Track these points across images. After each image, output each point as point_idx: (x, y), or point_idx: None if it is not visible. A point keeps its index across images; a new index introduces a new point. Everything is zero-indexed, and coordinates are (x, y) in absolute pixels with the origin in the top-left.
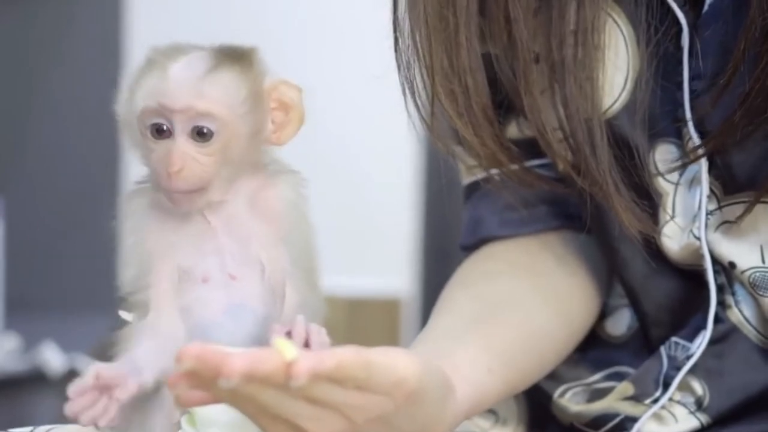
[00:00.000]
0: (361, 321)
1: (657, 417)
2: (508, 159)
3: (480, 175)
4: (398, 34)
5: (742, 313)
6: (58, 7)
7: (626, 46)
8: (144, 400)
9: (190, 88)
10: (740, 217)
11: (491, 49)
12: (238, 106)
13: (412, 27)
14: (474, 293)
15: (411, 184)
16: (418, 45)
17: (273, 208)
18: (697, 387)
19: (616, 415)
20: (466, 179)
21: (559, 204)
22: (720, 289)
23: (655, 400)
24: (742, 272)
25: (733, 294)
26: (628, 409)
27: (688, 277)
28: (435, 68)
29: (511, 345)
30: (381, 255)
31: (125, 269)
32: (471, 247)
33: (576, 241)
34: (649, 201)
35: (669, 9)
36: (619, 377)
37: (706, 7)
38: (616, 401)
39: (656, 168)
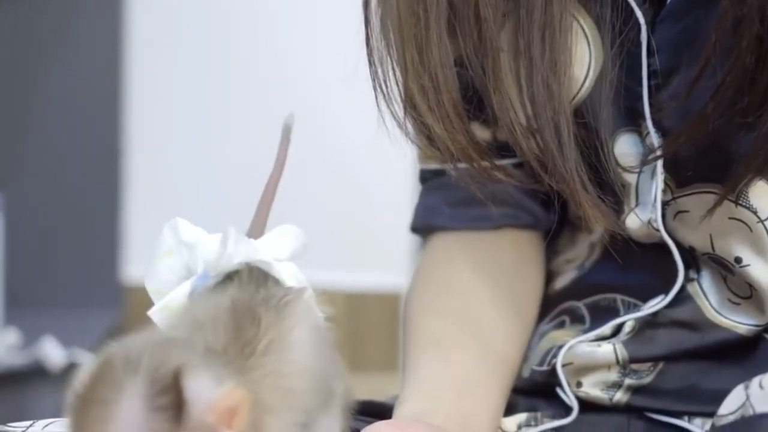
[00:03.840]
0: (360, 315)
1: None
2: (478, 154)
3: (435, 165)
4: (369, 29)
5: (700, 286)
6: (59, 4)
7: (588, 45)
8: None
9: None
10: (710, 211)
11: (461, 46)
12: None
13: (383, 23)
14: (444, 323)
15: (409, 178)
16: (390, 40)
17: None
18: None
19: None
20: (422, 165)
21: (513, 205)
22: (686, 265)
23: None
24: (702, 254)
25: (698, 270)
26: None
27: (653, 257)
28: (406, 64)
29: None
30: (380, 250)
31: None
32: (419, 231)
33: (527, 241)
34: (613, 197)
35: (632, 8)
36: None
37: (666, 7)
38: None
39: (617, 161)
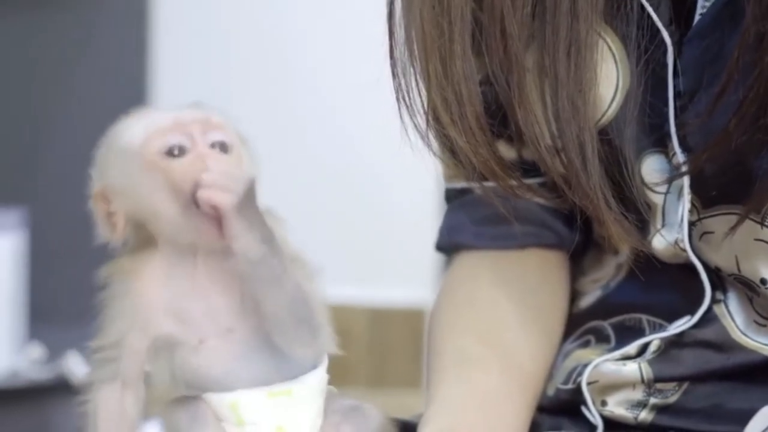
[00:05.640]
0: (384, 331)
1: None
2: (501, 169)
3: (460, 184)
4: (393, 41)
5: (726, 307)
6: (81, 13)
7: (615, 63)
8: None
9: (194, 110)
10: (733, 229)
11: (487, 61)
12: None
13: (407, 34)
14: (469, 341)
15: (433, 192)
16: (414, 52)
17: (241, 257)
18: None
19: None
20: (447, 183)
21: (537, 224)
22: (713, 286)
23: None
24: (729, 275)
25: (724, 291)
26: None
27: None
28: (430, 76)
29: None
30: (403, 264)
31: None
32: (444, 249)
33: (552, 260)
34: (637, 215)
35: (658, 29)
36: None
37: (692, 27)
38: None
39: (643, 181)
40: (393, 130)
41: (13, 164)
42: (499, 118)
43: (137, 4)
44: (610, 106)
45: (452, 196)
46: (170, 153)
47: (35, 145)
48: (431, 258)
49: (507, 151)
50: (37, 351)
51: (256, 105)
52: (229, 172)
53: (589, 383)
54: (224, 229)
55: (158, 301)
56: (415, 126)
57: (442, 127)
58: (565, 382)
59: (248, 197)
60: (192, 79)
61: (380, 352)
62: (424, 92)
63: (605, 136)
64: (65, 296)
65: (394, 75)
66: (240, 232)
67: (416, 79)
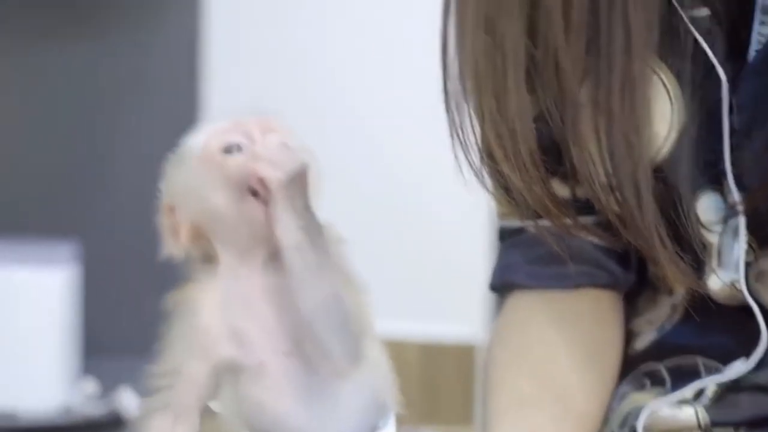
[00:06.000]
0: (435, 367)
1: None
2: (555, 206)
3: (514, 222)
4: (447, 77)
5: None
6: (136, 45)
7: (670, 99)
8: None
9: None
10: None
11: (541, 97)
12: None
13: (461, 70)
14: (527, 383)
15: (486, 227)
16: (467, 88)
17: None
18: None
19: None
20: (501, 222)
21: (591, 264)
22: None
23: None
24: None
25: None
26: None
27: (736, 318)
28: (483, 112)
29: None
30: (454, 300)
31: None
32: (498, 289)
33: (606, 300)
34: (692, 254)
35: (713, 65)
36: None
37: (748, 63)
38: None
39: (698, 219)
40: (446, 164)
41: (66, 196)
42: (553, 156)
43: (189, 34)
44: (664, 143)
45: (506, 235)
46: (228, 150)
47: (89, 178)
48: (483, 293)
49: (561, 189)
50: (90, 386)
51: (306, 131)
52: (282, 151)
53: (645, 428)
54: (269, 209)
55: (217, 325)
56: (469, 162)
57: (496, 163)
58: (621, 426)
59: (298, 182)
60: (246, 95)
61: (431, 388)
62: (477, 128)
63: (660, 173)
64: (119, 329)
65: (448, 110)
66: (282, 213)
67: (470, 115)
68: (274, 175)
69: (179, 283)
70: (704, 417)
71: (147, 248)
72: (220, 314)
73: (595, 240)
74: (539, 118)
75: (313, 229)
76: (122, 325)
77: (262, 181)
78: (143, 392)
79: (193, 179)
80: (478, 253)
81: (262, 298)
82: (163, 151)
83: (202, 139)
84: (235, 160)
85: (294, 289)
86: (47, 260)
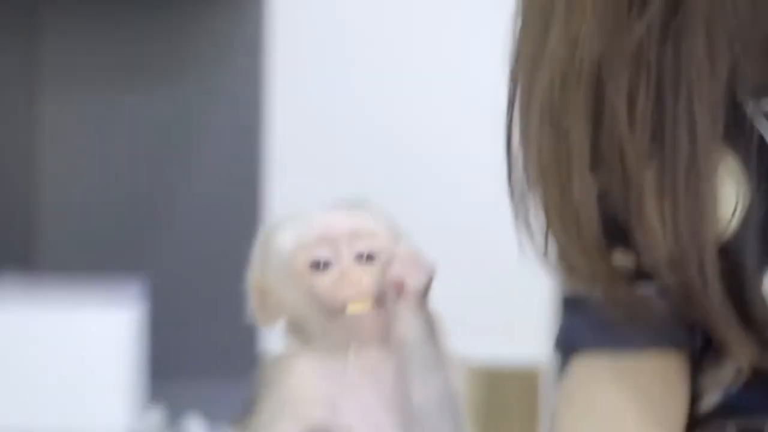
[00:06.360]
0: (498, 392)
1: None
2: (621, 287)
3: (579, 291)
4: (511, 167)
5: None
6: (203, 87)
7: (735, 182)
8: None
9: (344, 217)
10: None
11: (606, 182)
12: (388, 230)
13: (525, 160)
14: None
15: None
16: (531, 178)
17: (403, 340)
18: None
19: None
20: (565, 290)
21: (657, 327)
22: None
23: None
24: None
25: None
26: None
27: None
28: (548, 201)
29: None
30: (517, 323)
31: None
32: (562, 350)
33: (672, 362)
34: (759, 333)
35: None
36: None
37: None
38: None
39: (765, 300)
40: (505, 188)
41: (135, 234)
42: (620, 228)
43: (253, 76)
44: (729, 224)
45: (570, 300)
46: (316, 266)
47: (154, 213)
48: (546, 317)
49: (626, 260)
50: (157, 414)
51: (370, 162)
52: (417, 258)
53: None
54: (395, 306)
55: (311, 393)
56: (534, 245)
57: (561, 249)
58: None
59: (428, 284)
60: (306, 151)
61: (495, 413)
62: (542, 216)
63: (725, 254)
64: (183, 356)
65: (512, 198)
66: (407, 312)
67: (534, 204)
68: (418, 282)
69: (246, 313)
70: None
71: (213, 278)
72: (315, 384)
73: (660, 316)
74: (604, 194)
75: (430, 323)
76: (186, 350)
77: (399, 285)
78: (210, 419)
79: (284, 285)
80: (541, 276)
81: (356, 371)
82: (225, 183)
83: (289, 247)
84: (323, 283)
85: (409, 383)
86: (115, 300)
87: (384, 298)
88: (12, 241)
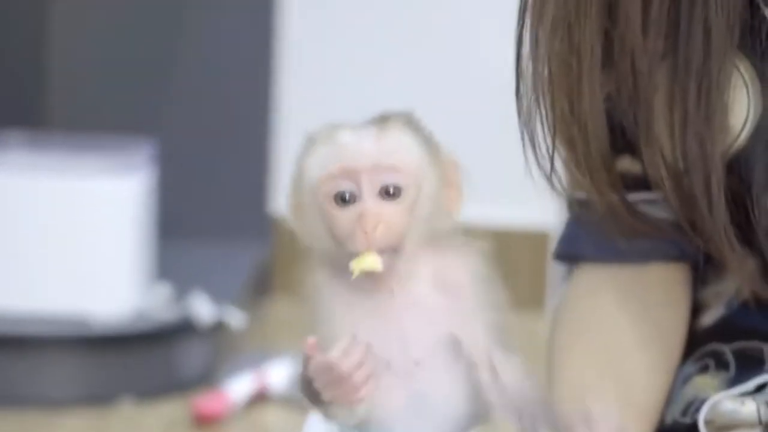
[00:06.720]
0: (507, 253)
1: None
2: (625, 209)
3: (583, 195)
4: (520, 78)
5: None
6: None
7: (747, 94)
8: None
9: (371, 147)
10: None
11: (614, 97)
12: (419, 159)
13: (534, 72)
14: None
15: None
16: (540, 91)
17: (459, 282)
18: None
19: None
20: (570, 193)
21: (660, 239)
22: None
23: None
24: None
25: None
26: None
27: None
28: (556, 114)
29: None
30: (528, 185)
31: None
32: (563, 259)
33: (675, 274)
34: (761, 258)
35: None
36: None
37: None
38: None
39: None
40: None
41: (143, 95)
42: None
43: None
44: (739, 136)
45: (575, 205)
46: (340, 199)
47: (167, 74)
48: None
49: (633, 166)
50: (163, 291)
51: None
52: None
53: (706, 422)
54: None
55: (341, 330)
56: (540, 167)
57: (567, 166)
58: (683, 414)
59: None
60: (322, 9)
61: (503, 274)
62: (548, 131)
63: (732, 173)
64: (192, 218)
65: (520, 112)
66: (465, 258)
67: (541, 118)
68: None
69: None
70: (766, 414)
71: (221, 144)
72: (346, 316)
73: (663, 237)
74: (610, 99)
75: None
76: (195, 212)
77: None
78: (215, 298)
79: (309, 213)
80: None
81: (399, 305)
82: (235, 50)
83: (314, 175)
84: (342, 220)
85: (463, 324)
86: (124, 166)
87: (403, 240)
88: (22, 101)
